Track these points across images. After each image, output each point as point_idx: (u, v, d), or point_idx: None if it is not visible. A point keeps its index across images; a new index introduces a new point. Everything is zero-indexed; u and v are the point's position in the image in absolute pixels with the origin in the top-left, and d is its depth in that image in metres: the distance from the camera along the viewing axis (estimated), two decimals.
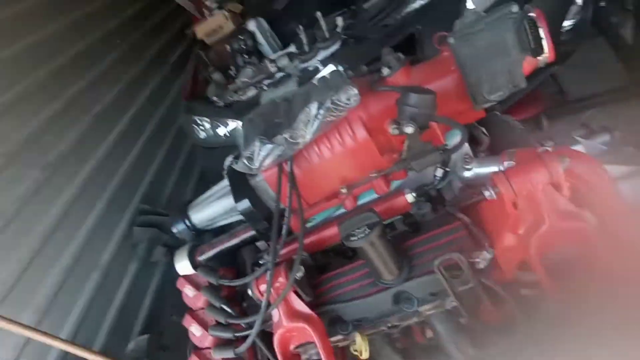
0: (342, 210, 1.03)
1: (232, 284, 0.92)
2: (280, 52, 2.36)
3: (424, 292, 0.85)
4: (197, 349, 0.97)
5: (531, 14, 0.84)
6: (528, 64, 0.87)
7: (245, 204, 1.01)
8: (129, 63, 3.12)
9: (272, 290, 0.88)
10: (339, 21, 2.14)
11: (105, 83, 2.76)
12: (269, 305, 0.84)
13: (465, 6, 1.98)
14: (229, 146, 2.50)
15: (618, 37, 2.56)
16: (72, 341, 1.99)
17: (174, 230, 1.20)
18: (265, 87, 2.19)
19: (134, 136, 3.20)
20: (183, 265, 1.10)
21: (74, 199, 2.64)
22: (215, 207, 1.15)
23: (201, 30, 2.99)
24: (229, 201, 1.11)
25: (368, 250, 0.80)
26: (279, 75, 2.19)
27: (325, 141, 0.99)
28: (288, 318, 0.86)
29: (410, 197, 0.93)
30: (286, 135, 0.93)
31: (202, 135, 2.68)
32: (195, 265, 1.10)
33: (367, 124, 0.98)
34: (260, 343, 0.91)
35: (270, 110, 1.09)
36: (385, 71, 0.97)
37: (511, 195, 0.72)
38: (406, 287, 0.86)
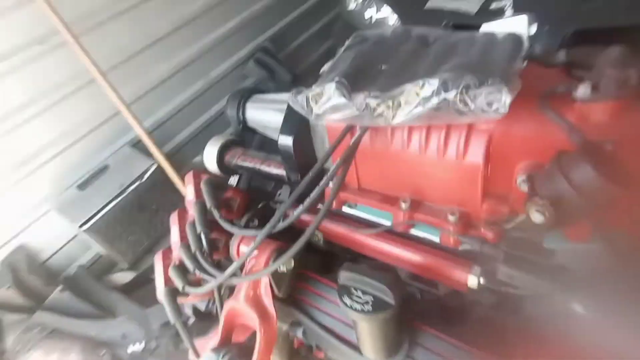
0: (389, 223, 0.75)
1: (221, 222, 0.77)
2: None
3: None
4: (169, 248, 0.89)
5: None
6: None
7: (287, 141, 0.78)
8: None
9: (249, 261, 0.72)
10: None
11: None
12: (232, 275, 0.69)
13: None
14: None
15: None
16: (149, 132, 2.17)
17: (227, 111, 1.02)
18: None
19: None
20: (209, 156, 0.97)
21: (216, 3, 2.58)
22: (269, 117, 0.94)
23: None
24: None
25: (358, 324, 0.56)
26: None
27: (422, 133, 0.67)
28: (246, 299, 0.71)
29: (473, 281, 0.62)
30: (369, 100, 0.62)
31: (352, 6, 2.31)
32: (220, 165, 0.96)
33: (492, 146, 0.61)
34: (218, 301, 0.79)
35: (388, 44, 0.75)
36: (582, 90, 0.55)
37: None
38: None
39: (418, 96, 0.58)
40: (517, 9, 1.30)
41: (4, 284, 1.95)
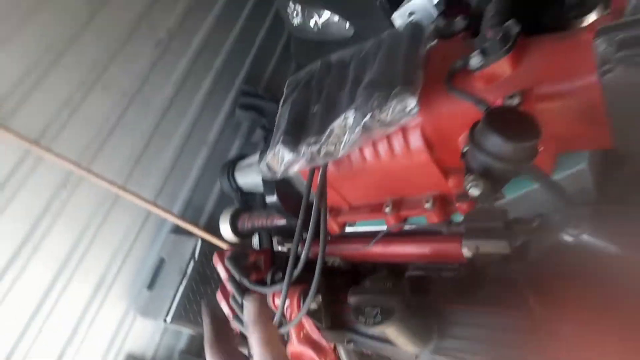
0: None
1: (251, 288, 0.89)
2: None
3: None
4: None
5: None
6: None
7: (272, 199, 0.89)
8: None
9: (287, 310, 0.82)
10: None
11: None
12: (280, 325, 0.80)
13: None
14: (321, 42, 2.20)
15: None
16: (182, 216, 2.36)
17: (221, 184, 1.15)
18: None
19: (234, 15, 3.08)
20: (225, 230, 1.09)
21: (184, 77, 2.80)
22: (255, 179, 1.05)
23: None
24: None
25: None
26: None
27: (369, 148, 0.74)
28: (299, 340, 0.81)
29: (466, 252, 0.68)
30: (311, 148, 0.71)
31: (295, 21, 2.38)
32: (237, 234, 1.08)
33: (429, 134, 0.68)
34: None
35: (316, 82, 0.83)
36: (474, 61, 0.60)
37: None
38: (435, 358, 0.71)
39: (345, 129, 0.66)
40: None
41: None
